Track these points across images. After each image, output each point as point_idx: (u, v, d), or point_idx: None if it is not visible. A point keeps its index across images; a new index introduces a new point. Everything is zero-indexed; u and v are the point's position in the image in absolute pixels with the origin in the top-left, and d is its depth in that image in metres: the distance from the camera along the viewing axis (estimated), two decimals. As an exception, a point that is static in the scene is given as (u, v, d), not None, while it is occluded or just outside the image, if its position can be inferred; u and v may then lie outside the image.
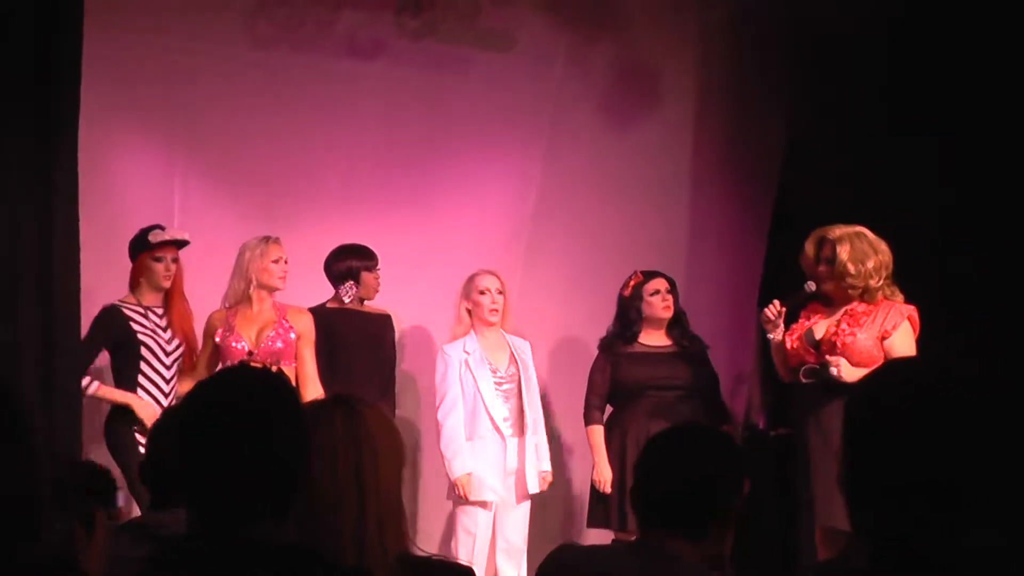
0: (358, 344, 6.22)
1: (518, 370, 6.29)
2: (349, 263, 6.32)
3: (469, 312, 6.32)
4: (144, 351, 5.85)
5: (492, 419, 6.21)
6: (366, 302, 6.38)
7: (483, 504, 6.18)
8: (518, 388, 6.27)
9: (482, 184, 7.12)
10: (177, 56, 6.52)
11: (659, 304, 6.27)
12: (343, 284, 6.28)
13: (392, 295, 6.49)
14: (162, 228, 5.95)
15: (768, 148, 7.21)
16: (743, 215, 7.32)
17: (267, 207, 6.67)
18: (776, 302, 5.72)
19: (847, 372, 5.45)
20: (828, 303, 5.72)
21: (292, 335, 6.01)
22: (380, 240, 6.49)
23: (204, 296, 6.15)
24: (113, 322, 5.86)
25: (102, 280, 6.11)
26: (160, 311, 5.95)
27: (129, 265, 6.08)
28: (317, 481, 2.39)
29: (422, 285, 6.88)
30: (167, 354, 5.91)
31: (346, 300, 6.28)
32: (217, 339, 5.99)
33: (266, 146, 6.72)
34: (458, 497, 6.19)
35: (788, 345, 5.69)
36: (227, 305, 6.07)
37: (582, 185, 7.23)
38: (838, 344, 5.54)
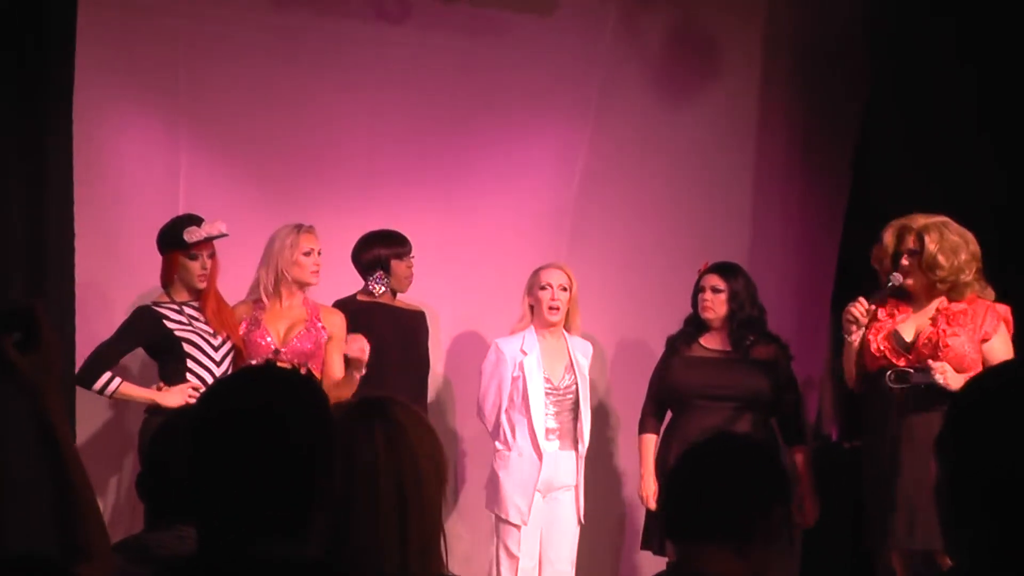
0: (390, 342, 6.17)
1: (576, 382, 6.29)
2: (377, 251, 6.29)
3: (532, 309, 6.33)
4: (188, 348, 5.85)
5: (533, 432, 6.20)
6: (399, 295, 6.37)
7: (517, 526, 6.19)
8: (575, 401, 6.28)
9: (521, 162, 7.11)
10: (183, 18, 6.50)
11: (700, 303, 6.20)
12: (372, 275, 6.27)
13: (421, 286, 6.50)
14: (196, 221, 5.90)
15: (843, 126, 7.18)
16: (814, 202, 7.31)
17: (283, 187, 6.70)
18: (862, 300, 5.60)
19: (953, 379, 5.34)
20: (909, 299, 5.62)
21: (324, 336, 6.03)
22: (408, 225, 6.48)
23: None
24: (144, 324, 5.85)
25: (99, 271, 6.21)
26: (197, 304, 5.95)
27: (131, 254, 6.11)
28: (355, 500, 2.45)
29: (454, 275, 6.91)
30: (215, 348, 5.91)
31: (378, 292, 6.27)
32: (241, 333, 5.98)
33: (282, 119, 6.71)
34: (499, 520, 6.21)
35: (873, 347, 5.56)
36: (253, 298, 6.07)
37: (633, 165, 7.19)
38: (940, 345, 5.44)
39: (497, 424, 6.23)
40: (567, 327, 6.34)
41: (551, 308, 6.25)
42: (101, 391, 5.75)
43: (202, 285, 5.89)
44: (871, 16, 6.96)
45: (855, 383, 5.71)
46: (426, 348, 6.43)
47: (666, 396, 6.23)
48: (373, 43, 6.82)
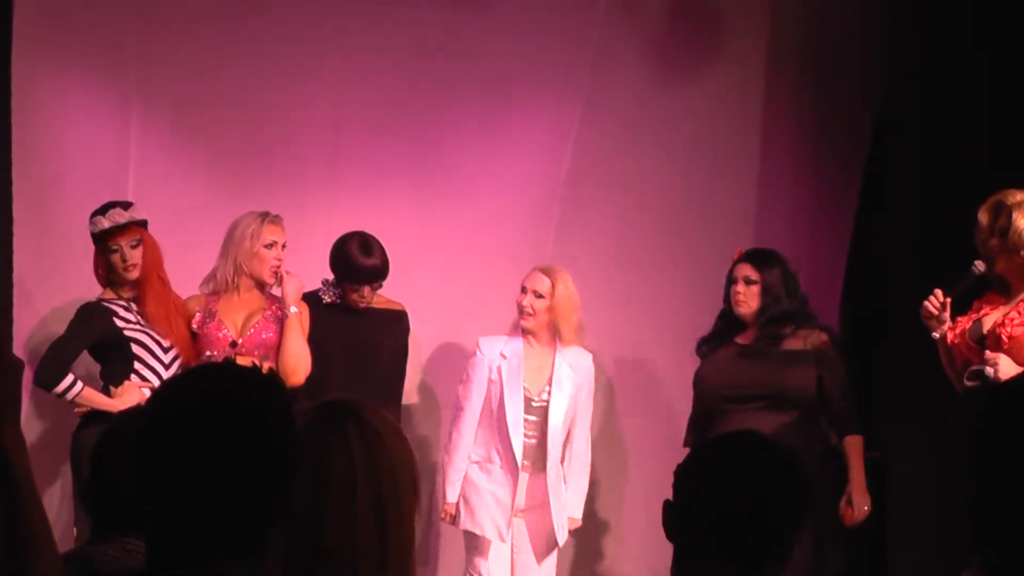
0: (339, 347, 6.21)
1: (548, 403, 6.28)
2: None
3: None
4: (137, 349, 5.86)
5: (512, 447, 6.21)
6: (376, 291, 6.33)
7: (489, 540, 6.22)
8: (544, 423, 6.27)
9: (504, 148, 7.07)
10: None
11: (732, 296, 6.03)
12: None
13: (393, 283, 6.43)
14: (108, 209, 5.86)
15: (856, 110, 7.17)
16: (824, 191, 7.28)
17: (243, 172, 6.69)
18: (938, 292, 5.35)
19: (1006, 371, 5.09)
20: (1006, 291, 5.37)
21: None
22: (379, 215, 6.50)
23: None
24: (95, 321, 5.87)
25: (40, 264, 6.26)
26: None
27: (76, 246, 6.10)
28: (329, 515, 2.43)
29: (428, 272, 6.87)
30: (164, 350, 5.93)
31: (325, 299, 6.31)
32: (195, 326, 5.99)
33: (243, 97, 6.70)
34: (469, 540, 6.25)
35: (949, 340, 5.32)
36: (207, 290, 6.08)
37: (626, 151, 7.14)
38: (1004, 337, 5.19)
39: (465, 430, 6.27)
40: (559, 339, 6.34)
41: (525, 314, 6.29)
42: (62, 395, 5.76)
43: (132, 276, 5.87)
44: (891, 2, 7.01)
45: (956, 383, 5.44)
46: (395, 353, 6.38)
47: (702, 404, 6.09)
48: (341, 14, 6.82)
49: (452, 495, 6.26)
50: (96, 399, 5.81)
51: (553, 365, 6.31)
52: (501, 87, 7.02)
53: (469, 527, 6.22)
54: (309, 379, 6.04)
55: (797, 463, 2.66)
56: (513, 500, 6.20)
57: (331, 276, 6.29)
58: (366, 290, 6.17)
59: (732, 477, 2.60)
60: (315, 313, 6.19)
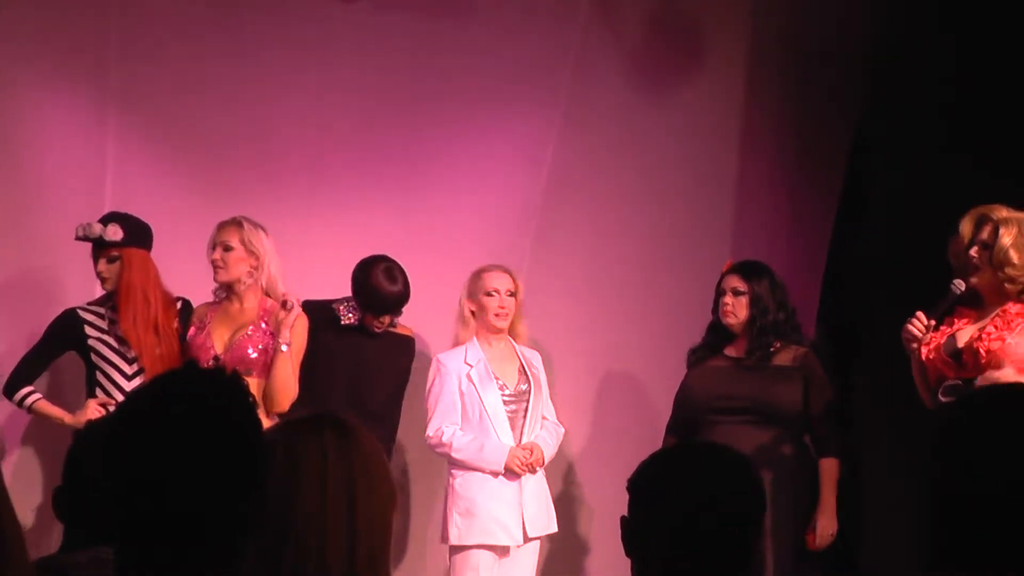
0: (344, 366, 6.20)
1: (530, 387, 6.27)
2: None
3: (473, 315, 6.30)
4: (95, 358, 5.89)
5: (500, 440, 6.14)
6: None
7: (493, 548, 6.11)
8: (526, 410, 6.24)
9: (483, 158, 7.04)
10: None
11: (721, 307, 6.04)
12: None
13: None
14: (99, 220, 5.88)
15: (836, 121, 7.17)
16: (803, 203, 7.28)
17: (222, 177, 6.66)
18: (921, 315, 5.28)
19: None
20: (978, 305, 5.33)
21: (271, 342, 5.98)
22: (357, 225, 6.50)
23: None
24: (64, 328, 5.93)
25: (14, 270, 6.26)
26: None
27: (50, 252, 6.16)
28: (302, 513, 2.47)
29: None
30: (128, 362, 5.91)
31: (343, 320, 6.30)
32: (189, 336, 6.00)
33: (223, 103, 6.67)
34: (457, 555, 6.10)
35: (923, 356, 5.28)
36: (214, 300, 6.09)
37: (605, 161, 7.12)
38: (981, 352, 5.14)
39: (450, 418, 6.18)
40: (512, 335, 6.35)
41: (498, 315, 6.26)
42: (20, 404, 5.83)
43: (105, 288, 5.92)
44: (870, 14, 6.98)
45: (927, 399, 5.42)
46: (392, 375, 6.33)
47: (685, 413, 6.10)
48: (322, 22, 6.78)
49: (498, 455, 6.07)
50: (50, 411, 5.88)
51: (518, 356, 6.31)
52: (481, 95, 7.00)
53: (478, 539, 6.09)
54: (313, 396, 5.99)
55: (749, 470, 2.64)
56: (521, 498, 6.13)
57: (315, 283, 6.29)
58: (386, 317, 6.19)
59: (682, 489, 2.58)
60: (328, 331, 6.18)
